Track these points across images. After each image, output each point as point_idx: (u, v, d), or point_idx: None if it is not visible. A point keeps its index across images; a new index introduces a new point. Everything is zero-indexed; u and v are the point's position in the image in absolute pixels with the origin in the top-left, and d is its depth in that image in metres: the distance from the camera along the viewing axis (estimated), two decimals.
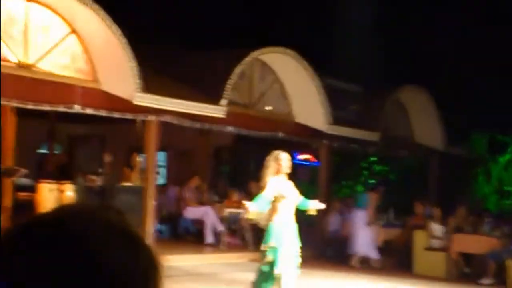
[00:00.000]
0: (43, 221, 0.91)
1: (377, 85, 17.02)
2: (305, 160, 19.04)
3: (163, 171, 17.18)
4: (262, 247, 7.97)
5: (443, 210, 13.56)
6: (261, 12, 22.49)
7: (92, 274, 0.85)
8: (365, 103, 16.31)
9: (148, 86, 11.50)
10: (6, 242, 0.88)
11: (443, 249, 13.06)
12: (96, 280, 0.85)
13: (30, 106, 10.58)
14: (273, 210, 7.96)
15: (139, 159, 13.19)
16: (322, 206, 8.19)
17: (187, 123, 12.45)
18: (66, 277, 0.84)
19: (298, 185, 8.33)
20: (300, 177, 16.11)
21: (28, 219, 0.91)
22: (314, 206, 8.13)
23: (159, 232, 14.03)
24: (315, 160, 17.59)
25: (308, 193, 9.23)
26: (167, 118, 12.03)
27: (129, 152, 13.31)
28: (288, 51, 14.11)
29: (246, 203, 7.91)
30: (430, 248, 13.27)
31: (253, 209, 7.81)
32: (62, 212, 0.92)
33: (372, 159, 19.27)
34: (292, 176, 8.30)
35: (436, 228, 13.35)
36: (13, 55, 10.58)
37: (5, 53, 10.49)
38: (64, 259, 0.85)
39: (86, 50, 11.50)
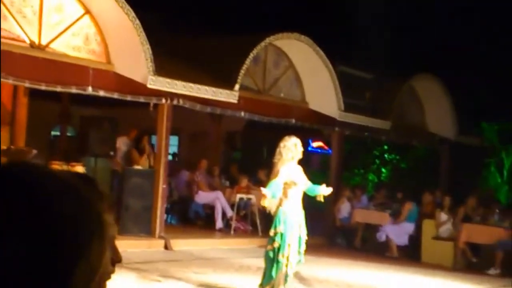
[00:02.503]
0: None
1: (390, 73, 16.91)
2: (318, 147, 18.98)
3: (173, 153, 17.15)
4: (271, 232, 7.98)
5: (453, 199, 13.51)
6: None
7: (34, 220, 0.87)
8: (378, 91, 16.22)
9: (161, 69, 11.47)
10: None
11: (451, 238, 13.02)
12: (35, 226, 0.87)
13: (42, 87, 10.57)
14: (283, 195, 7.95)
15: (148, 143, 13.16)
16: (330, 190, 8.14)
17: (199, 107, 12.42)
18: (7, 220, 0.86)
19: (309, 173, 8.29)
20: (312, 164, 16.09)
21: None
22: (322, 191, 8.09)
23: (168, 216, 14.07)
24: (327, 148, 17.53)
25: (319, 181, 9.18)
26: (179, 102, 12.00)
27: (141, 135, 13.30)
28: (303, 37, 14.03)
29: (263, 190, 7.87)
30: (438, 237, 13.24)
31: (269, 195, 7.78)
32: (11, 165, 0.94)
33: (384, 147, 19.18)
34: (304, 163, 8.27)
35: (445, 217, 13.30)
36: (26, 35, 10.56)
37: (19, 33, 10.47)
38: (9, 204, 0.87)
39: (99, 32, 11.48)
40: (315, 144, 18.82)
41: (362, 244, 14.34)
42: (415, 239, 13.68)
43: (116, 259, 1.00)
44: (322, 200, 8.24)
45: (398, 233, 13.72)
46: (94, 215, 0.94)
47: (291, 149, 8.04)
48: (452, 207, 13.44)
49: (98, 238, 0.94)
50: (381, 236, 13.74)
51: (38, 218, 0.88)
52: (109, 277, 0.98)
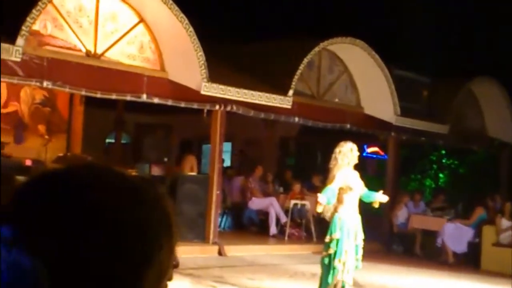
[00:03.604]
0: (55, 172, 0.91)
1: (448, 76, 16.55)
2: (373, 152, 18.72)
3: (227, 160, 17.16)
4: (326, 239, 7.88)
5: None
6: (328, 0, 22.19)
7: (94, 223, 0.85)
8: (435, 94, 15.89)
9: (215, 76, 11.50)
10: (20, 189, 0.90)
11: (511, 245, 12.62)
12: (96, 228, 0.85)
13: (98, 95, 10.71)
14: (338, 201, 7.84)
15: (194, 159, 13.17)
16: (386, 198, 7.99)
17: (252, 113, 12.39)
18: (67, 226, 0.84)
19: (365, 178, 8.16)
20: (368, 170, 15.86)
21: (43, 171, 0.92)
22: (378, 198, 7.94)
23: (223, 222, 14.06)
24: (383, 153, 17.26)
25: (375, 187, 9.02)
26: (232, 108, 11.99)
27: (197, 142, 13.36)
28: (357, 41, 13.88)
29: (318, 196, 7.77)
30: (498, 244, 12.86)
31: (324, 201, 7.68)
32: (72, 166, 0.94)
33: (441, 152, 18.78)
34: (359, 169, 8.15)
35: (506, 223, 12.91)
36: (82, 44, 10.71)
37: (75, 42, 10.63)
38: (67, 208, 0.85)
39: (153, 39, 11.58)
40: (370, 149, 18.57)
41: (421, 251, 14.04)
42: (475, 246, 13.32)
43: (175, 265, 0.98)
44: (377, 206, 8.10)
45: (457, 239, 13.37)
46: (164, 217, 0.92)
47: (347, 154, 7.95)
48: None
49: (168, 240, 0.91)
50: (440, 242, 13.42)
51: (107, 220, 0.86)
52: (170, 280, 0.97)
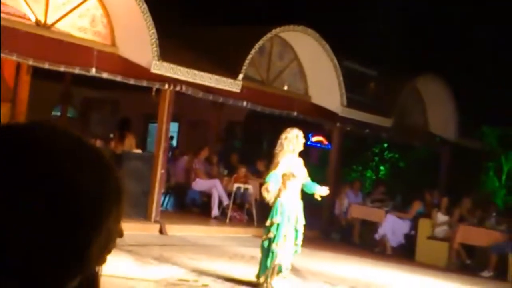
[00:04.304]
0: (14, 127, 0.89)
1: (395, 71, 16.88)
2: (317, 141, 18.98)
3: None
4: (267, 223, 8.00)
5: (450, 200, 13.53)
6: None
7: (52, 185, 0.84)
8: (382, 88, 16.20)
9: (166, 55, 11.45)
10: None
11: (447, 239, 13.05)
12: (54, 191, 0.84)
13: (46, 66, 10.53)
14: (282, 186, 7.95)
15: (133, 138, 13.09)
16: (327, 191, 8.13)
17: (201, 94, 12.41)
18: (23, 185, 0.83)
19: (308, 167, 8.29)
20: (311, 158, 16.09)
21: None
22: (319, 191, 8.08)
23: (165, 202, 14.07)
24: (327, 143, 17.54)
25: (318, 176, 9.18)
26: (182, 88, 11.98)
27: (144, 119, 13.29)
28: (309, 30, 14.02)
29: (268, 184, 7.86)
30: (433, 237, 13.27)
31: (273, 189, 7.79)
32: (35, 123, 0.90)
33: (383, 145, 19.17)
34: (303, 157, 8.27)
35: (441, 217, 13.34)
36: (32, 13, 10.53)
37: (25, 11, 10.45)
38: (27, 168, 0.83)
39: (106, 14, 11.47)
40: (315, 138, 18.82)
41: (358, 240, 14.37)
42: (410, 238, 13.71)
43: (119, 235, 0.98)
44: (319, 199, 8.24)
45: (395, 231, 13.75)
46: (115, 184, 0.92)
47: (292, 141, 8.05)
48: (449, 208, 13.47)
49: (117, 208, 0.92)
50: (380, 233, 13.76)
51: (58, 180, 0.85)
52: (110, 252, 0.96)
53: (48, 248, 0.84)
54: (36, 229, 0.83)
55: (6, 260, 0.82)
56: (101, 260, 0.92)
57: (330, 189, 8.48)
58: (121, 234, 0.97)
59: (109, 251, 0.93)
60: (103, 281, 0.97)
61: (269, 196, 7.99)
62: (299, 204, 8.05)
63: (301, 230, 8.06)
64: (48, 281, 0.85)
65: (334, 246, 13.49)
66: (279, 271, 8.04)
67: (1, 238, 0.82)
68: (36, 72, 12.03)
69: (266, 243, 8.00)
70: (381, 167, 19.07)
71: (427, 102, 17.48)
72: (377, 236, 13.81)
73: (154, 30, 11.17)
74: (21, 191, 0.83)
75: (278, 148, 8.08)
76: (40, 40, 10.41)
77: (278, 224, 7.91)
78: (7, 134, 0.88)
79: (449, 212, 13.40)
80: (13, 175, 0.83)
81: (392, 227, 13.75)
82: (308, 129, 16.06)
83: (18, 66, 12.15)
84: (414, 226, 13.73)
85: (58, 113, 16.65)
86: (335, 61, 14.41)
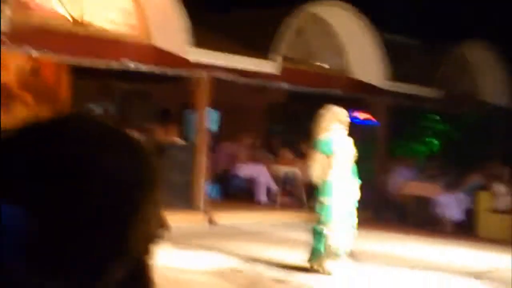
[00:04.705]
0: (43, 123, 0.90)
1: (439, 39, 16.32)
2: (363, 119, 18.55)
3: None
4: (316, 205, 7.76)
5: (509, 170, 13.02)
6: None
7: (86, 173, 0.84)
8: (426, 57, 15.67)
9: (200, 42, 11.31)
10: (4, 140, 0.88)
11: (509, 211, 12.51)
12: (89, 179, 0.84)
13: (84, 63, 10.54)
14: (328, 167, 7.68)
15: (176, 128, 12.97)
16: (358, 195, 7.82)
17: (239, 79, 12.17)
18: (57, 175, 0.83)
19: (355, 145, 8.01)
20: (358, 136, 15.68)
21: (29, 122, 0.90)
22: (355, 186, 7.77)
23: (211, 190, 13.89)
24: (373, 119, 17.08)
25: (365, 153, 8.87)
26: (219, 74, 11.78)
27: (180, 109, 13.15)
28: (345, 5, 13.71)
29: (310, 165, 7.65)
30: (494, 210, 12.74)
31: (317, 171, 7.56)
32: (62, 116, 0.92)
33: (434, 117, 18.57)
34: (348, 135, 8.00)
35: (502, 189, 12.79)
36: (68, 12, 10.55)
37: (60, 10, 10.45)
38: (58, 157, 0.84)
39: (138, 6, 11.35)
40: (360, 115, 18.40)
41: (415, 218, 13.91)
42: (470, 213, 13.18)
43: (166, 227, 0.98)
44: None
45: (452, 206, 13.24)
46: (148, 168, 0.91)
47: (334, 119, 7.81)
48: (511, 178, 12.91)
49: (153, 192, 0.90)
50: (437, 209, 13.29)
51: (90, 167, 0.84)
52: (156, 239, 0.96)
53: (84, 237, 0.84)
54: (72, 219, 0.83)
55: (45, 255, 0.82)
56: (144, 250, 0.90)
57: (380, 167, 8.21)
58: (167, 227, 0.97)
59: (152, 241, 0.92)
60: (156, 274, 0.95)
61: (315, 177, 7.75)
62: (350, 184, 7.77)
63: (354, 211, 7.79)
64: (88, 271, 0.84)
65: (388, 225, 13.07)
66: (336, 255, 7.78)
67: (39, 232, 0.82)
68: (75, 70, 12.06)
69: (317, 226, 7.76)
70: (433, 141, 18.48)
71: (475, 70, 16.86)
72: (434, 213, 13.34)
73: (187, 18, 11.01)
74: (53, 182, 0.83)
75: (320, 126, 7.83)
76: (77, 38, 10.57)
77: (327, 206, 7.64)
78: (39, 126, 0.89)
79: (511, 183, 12.84)
80: (46, 165, 0.84)
81: (449, 202, 13.26)
82: (352, 106, 15.69)
83: (58, 65, 12.20)
84: (473, 200, 13.22)
85: (99, 109, 16.63)
86: (375, 33, 14.01)
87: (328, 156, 7.71)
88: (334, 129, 7.80)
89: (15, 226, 0.81)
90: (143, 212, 0.88)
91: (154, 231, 0.92)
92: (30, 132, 0.88)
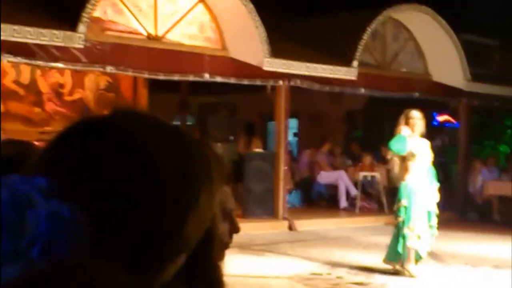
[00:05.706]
0: (94, 119, 0.90)
1: None
2: (444, 121, 18.24)
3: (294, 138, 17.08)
4: (394, 207, 7.80)
5: None
6: None
7: (141, 166, 0.83)
8: (506, 57, 15.28)
9: (276, 51, 11.41)
10: (56, 138, 0.87)
11: None
12: (143, 173, 0.82)
13: (161, 77, 10.80)
14: (405, 169, 7.70)
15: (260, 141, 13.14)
16: (437, 198, 7.79)
17: (317, 86, 12.24)
18: (109, 173, 0.82)
19: (437, 148, 7.99)
20: (438, 139, 15.46)
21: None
22: (435, 188, 7.75)
23: (292, 198, 14.00)
24: (454, 121, 16.78)
25: (448, 156, 8.82)
26: (297, 83, 11.88)
27: (260, 119, 13.32)
28: (423, 7, 13.55)
29: (391, 163, 7.74)
30: None
31: (395, 170, 7.61)
32: (111, 113, 0.90)
33: None
34: (429, 138, 8.01)
35: None
36: (143, 27, 10.80)
37: (136, 26, 10.73)
38: (108, 155, 0.83)
39: (213, 19, 11.55)
40: (441, 117, 18.09)
41: (499, 218, 13.59)
42: None
43: (235, 230, 0.99)
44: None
45: None
46: (205, 162, 0.90)
47: (412, 123, 7.83)
48: None
49: (209, 186, 0.89)
50: None
51: (151, 165, 0.83)
52: (226, 247, 0.98)
53: (143, 228, 0.82)
54: (131, 211, 0.82)
55: (113, 244, 0.81)
56: (200, 242, 0.90)
57: (463, 168, 8.17)
58: (237, 229, 0.99)
59: (208, 234, 0.93)
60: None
61: (395, 179, 7.83)
62: (429, 186, 7.75)
63: (434, 211, 7.77)
64: (149, 262, 0.83)
65: (471, 225, 12.83)
66: (419, 257, 7.77)
67: (103, 223, 0.80)
68: (152, 84, 12.35)
69: (396, 228, 7.79)
70: None
71: None
72: None
73: (262, 28, 11.16)
74: (116, 182, 0.82)
75: (398, 130, 7.86)
76: (153, 53, 10.66)
77: (406, 207, 7.65)
78: (90, 122, 0.88)
79: None
80: (100, 160, 0.83)
81: None
82: (433, 109, 15.48)
83: (135, 81, 12.52)
84: None
85: (178, 123, 16.99)
86: (453, 35, 13.80)
87: (405, 159, 7.73)
88: (411, 132, 7.82)
89: (68, 228, 0.78)
90: (199, 203, 0.87)
91: (221, 239, 0.94)
92: (81, 130, 0.87)
